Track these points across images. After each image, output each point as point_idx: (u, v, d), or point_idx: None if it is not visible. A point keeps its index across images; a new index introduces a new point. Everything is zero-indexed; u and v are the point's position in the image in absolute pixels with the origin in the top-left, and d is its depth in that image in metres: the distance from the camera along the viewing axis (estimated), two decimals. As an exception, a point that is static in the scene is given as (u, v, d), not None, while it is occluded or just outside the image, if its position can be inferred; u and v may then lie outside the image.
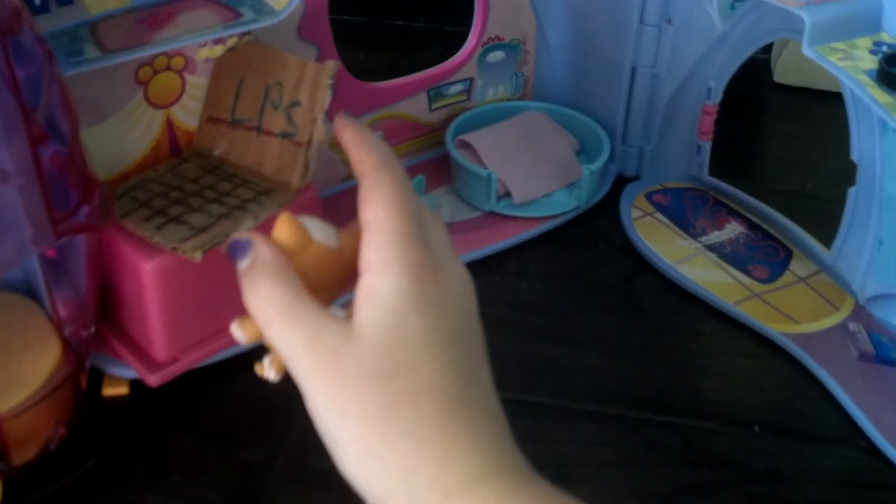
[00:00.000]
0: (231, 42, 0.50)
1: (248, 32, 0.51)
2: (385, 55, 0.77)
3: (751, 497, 0.45)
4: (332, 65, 0.46)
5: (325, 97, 0.46)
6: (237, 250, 0.35)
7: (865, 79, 0.45)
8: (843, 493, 0.46)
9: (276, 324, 0.33)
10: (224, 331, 0.48)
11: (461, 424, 0.32)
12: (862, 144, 0.52)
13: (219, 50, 0.50)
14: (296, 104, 0.47)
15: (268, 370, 0.36)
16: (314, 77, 0.46)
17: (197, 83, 0.50)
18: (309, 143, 0.47)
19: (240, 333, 0.36)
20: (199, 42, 0.48)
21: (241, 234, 0.35)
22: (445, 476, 0.31)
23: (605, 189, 0.63)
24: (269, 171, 0.48)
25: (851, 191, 0.53)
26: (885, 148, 0.50)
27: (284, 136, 0.47)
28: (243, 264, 0.34)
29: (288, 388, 0.49)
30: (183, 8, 0.48)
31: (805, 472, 0.46)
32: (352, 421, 0.32)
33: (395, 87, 0.61)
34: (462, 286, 0.35)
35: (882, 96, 0.44)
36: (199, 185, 0.48)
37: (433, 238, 0.35)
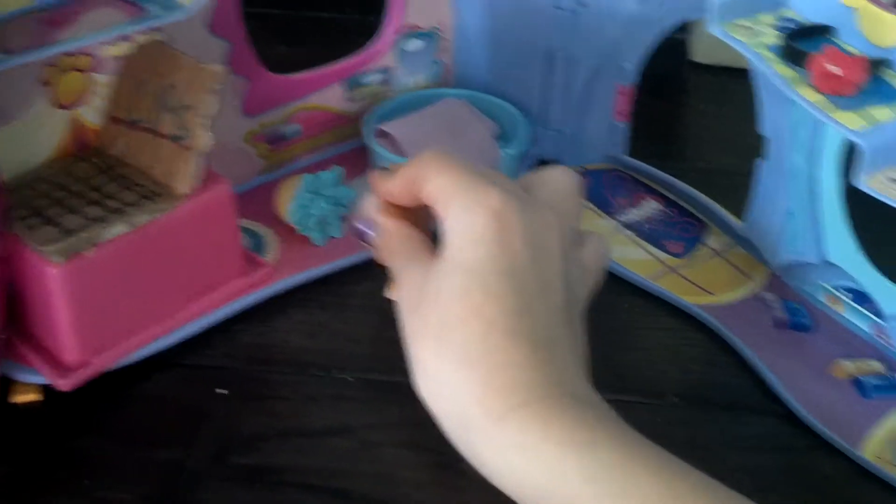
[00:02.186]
0: (139, 39, 0.50)
1: (158, 29, 0.50)
2: (309, 48, 0.77)
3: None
4: (220, 69, 0.46)
5: (212, 103, 0.46)
6: (364, 228, 0.41)
7: (769, 54, 0.46)
8: (759, 459, 0.47)
9: (393, 263, 0.40)
10: (136, 331, 0.49)
11: (507, 353, 0.35)
12: (770, 118, 0.53)
13: (126, 48, 0.50)
14: (186, 107, 0.47)
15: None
16: (204, 81, 0.46)
17: (104, 82, 0.50)
18: (197, 147, 0.47)
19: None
20: (105, 40, 0.48)
21: (367, 213, 0.41)
22: (488, 399, 0.34)
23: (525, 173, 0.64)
24: (160, 174, 0.48)
25: (760, 163, 0.54)
26: (791, 121, 0.51)
27: (175, 139, 0.47)
28: (374, 237, 0.41)
29: (203, 385, 0.49)
30: (87, 6, 0.47)
31: (722, 439, 0.47)
32: (414, 341, 0.37)
33: (311, 78, 0.61)
34: (530, 222, 0.37)
35: (785, 70, 0.45)
36: (87, 186, 0.48)
37: (504, 181, 0.39)
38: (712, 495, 0.32)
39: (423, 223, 0.41)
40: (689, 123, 0.73)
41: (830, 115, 0.42)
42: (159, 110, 0.48)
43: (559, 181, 0.40)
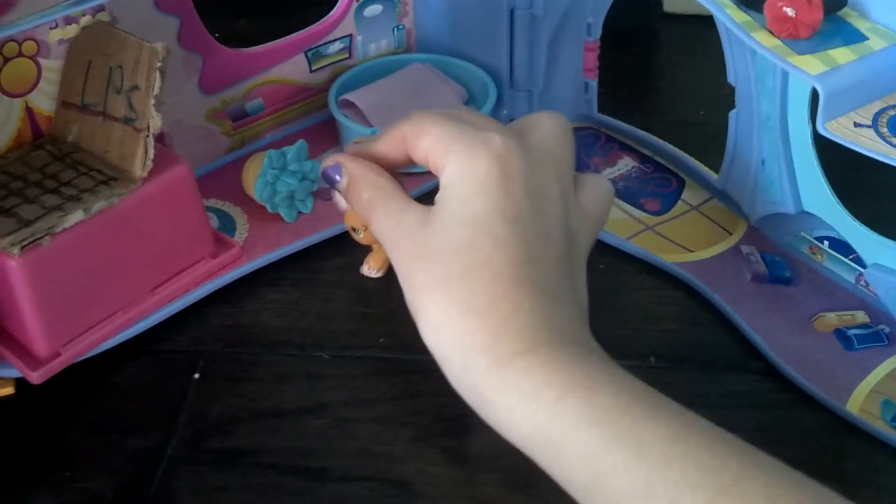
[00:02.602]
0: (84, 21, 0.49)
1: (103, 9, 0.49)
2: (269, 20, 0.75)
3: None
4: (162, 47, 0.44)
5: (156, 82, 0.44)
6: (331, 175, 0.39)
7: (726, 0, 0.44)
8: (741, 416, 0.46)
9: (373, 220, 0.38)
10: (105, 319, 0.48)
11: (513, 302, 0.34)
12: (736, 67, 0.51)
13: (72, 31, 0.48)
14: (135, 88, 0.45)
15: (367, 270, 0.51)
16: (149, 60, 0.45)
17: (53, 67, 0.49)
18: (147, 129, 0.45)
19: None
20: (48, 23, 0.46)
21: (329, 160, 0.39)
22: (495, 346, 0.34)
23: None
24: (114, 158, 0.47)
25: (732, 114, 0.53)
26: (756, 69, 0.49)
27: (126, 121, 0.46)
28: (342, 184, 0.39)
29: (176, 370, 0.49)
30: (26, -10, 0.46)
31: (702, 397, 0.46)
32: (417, 292, 0.36)
33: (270, 50, 0.59)
34: (531, 165, 0.37)
35: (740, 15, 0.43)
36: (43, 174, 0.46)
37: (500, 126, 0.38)
38: (708, 437, 0.31)
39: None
40: (662, 76, 0.72)
41: (787, 59, 0.40)
42: (109, 93, 0.47)
43: (549, 124, 0.39)
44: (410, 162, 0.39)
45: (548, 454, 0.33)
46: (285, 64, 0.60)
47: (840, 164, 0.49)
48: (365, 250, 0.53)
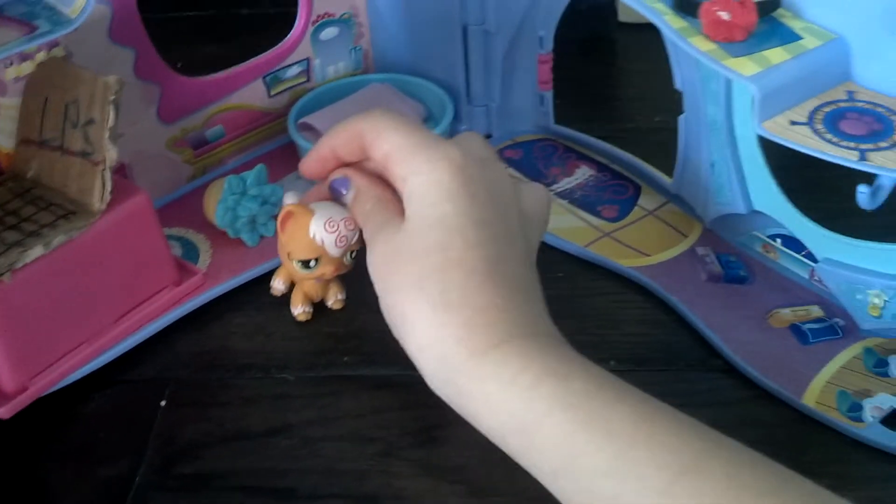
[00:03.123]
0: (40, 58, 0.49)
1: (57, 44, 0.50)
2: (234, 46, 0.76)
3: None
4: (114, 80, 0.45)
5: (110, 115, 0.45)
6: (338, 188, 0.43)
7: (662, 6, 0.45)
8: (703, 414, 0.45)
9: (364, 228, 0.42)
10: (71, 351, 0.48)
11: (487, 296, 0.36)
12: (683, 73, 0.52)
13: (27, 67, 0.49)
14: (91, 122, 0.46)
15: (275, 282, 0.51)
16: (102, 93, 0.45)
17: (10, 104, 0.49)
18: (104, 162, 0.46)
19: (277, 283, 0.52)
20: (3, 61, 0.47)
21: (338, 173, 0.43)
22: (471, 338, 0.35)
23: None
24: (74, 192, 0.47)
25: (681, 119, 0.54)
26: (701, 73, 0.50)
27: (84, 155, 0.47)
28: (349, 196, 0.43)
29: (144, 398, 0.49)
30: (-23, 30, 0.47)
31: (663, 398, 0.46)
32: (392, 293, 0.38)
33: (229, 77, 0.60)
34: (492, 174, 0.39)
35: (677, 22, 0.44)
36: (4, 211, 0.47)
37: (440, 137, 0.40)
38: (672, 419, 0.33)
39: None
40: (618, 84, 0.73)
41: (722, 62, 0.41)
42: (66, 128, 0.47)
43: (474, 142, 0.41)
44: (364, 158, 0.42)
45: (521, 440, 0.34)
46: (244, 90, 0.61)
47: (788, 163, 0.49)
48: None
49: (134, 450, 0.46)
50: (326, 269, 0.47)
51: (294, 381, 0.49)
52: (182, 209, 0.58)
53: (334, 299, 0.52)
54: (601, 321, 0.52)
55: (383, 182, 0.42)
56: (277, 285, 0.52)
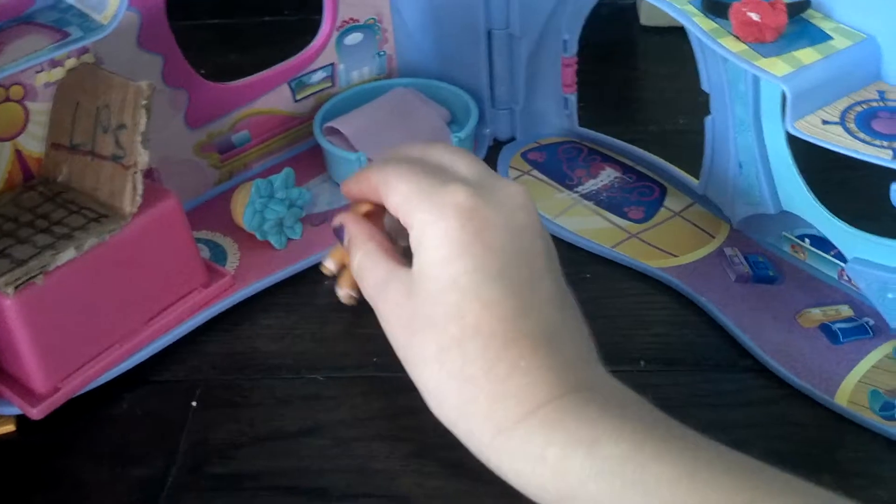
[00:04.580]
0: (70, 64, 0.50)
1: (87, 51, 0.50)
2: (256, 53, 0.77)
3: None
4: (146, 86, 0.45)
5: (142, 119, 0.46)
6: (339, 233, 0.43)
7: (691, 8, 0.45)
8: (733, 414, 0.47)
9: (361, 286, 0.41)
10: (101, 352, 0.49)
11: (509, 362, 0.34)
12: (710, 74, 0.52)
13: (58, 73, 0.50)
14: (122, 127, 0.46)
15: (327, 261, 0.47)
16: (134, 98, 0.46)
17: (40, 110, 0.50)
18: (135, 165, 0.46)
19: (329, 262, 0.46)
20: (33, 67, 0.48)
21: (337, 220, 0.43)
22: (495, 413, 0.34)
23: (482, 154, 0.64)
24: (104, 195, 0.48)
25: (708, 119, 0.54)
26: (728, 75, 0.50)
27: (115, 159, 0.47)
28: (346, 243, 0.42)
29: (175, 399, 0.49)
30: (9, 37, 0.47)
31: (693, 398, 0.47)
32: (414, 367, 0.37)
33: (255, 83, 0.60)
34: (507, 208, 0.37)
35: (707, 23, 0.44)
36: (35, 215, 0.48)
37: (464, 172, 0.39)
38: (713, 469, 0.31)
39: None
40: (641, 87, 0.73)
41: (754, 62, 0.41)
42: (97, 132, 0.48)
43: (474, 167, 0.40)
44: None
45: None
46: (270, 95, 0.61)
47: (816, 163, 0.50)
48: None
49: (166, 450, 0.46)
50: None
51: (324, 381, 0.49)
52: (209, 213, 0.59)
53: None
54: (630, 321, 0.52)
55: (374, 230, 0.41)
56: (328, 264, 0.51)
